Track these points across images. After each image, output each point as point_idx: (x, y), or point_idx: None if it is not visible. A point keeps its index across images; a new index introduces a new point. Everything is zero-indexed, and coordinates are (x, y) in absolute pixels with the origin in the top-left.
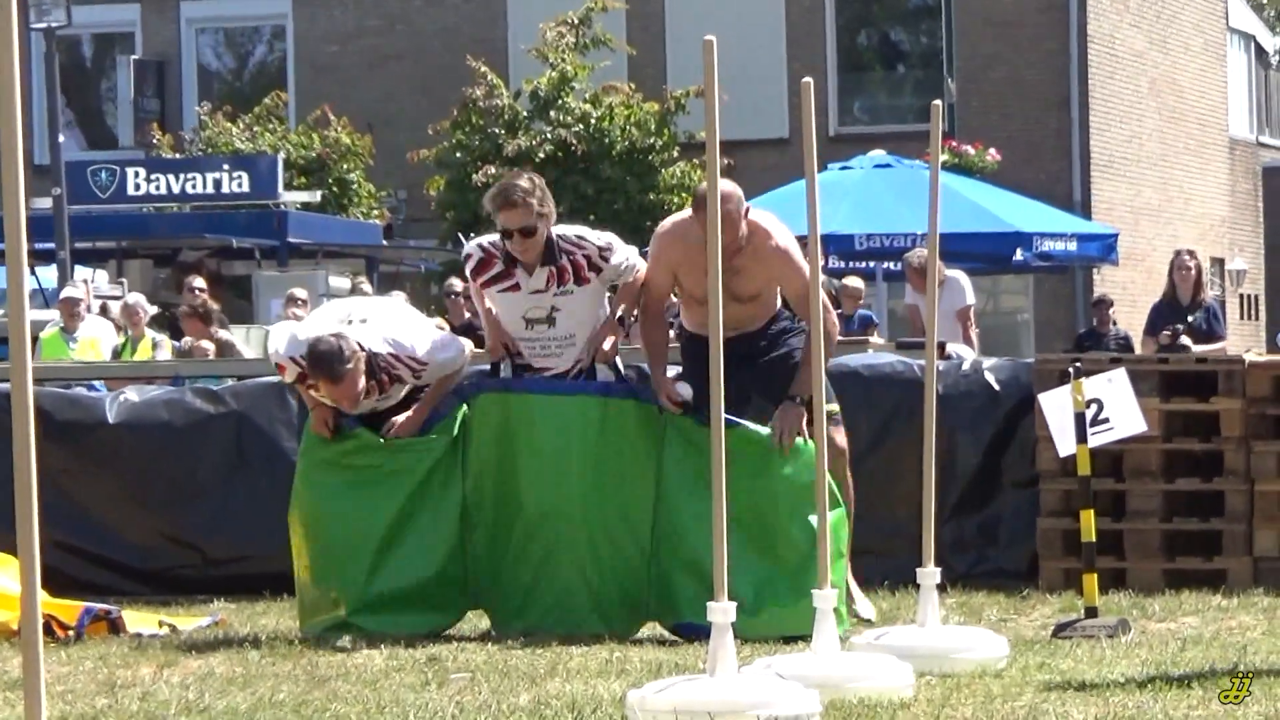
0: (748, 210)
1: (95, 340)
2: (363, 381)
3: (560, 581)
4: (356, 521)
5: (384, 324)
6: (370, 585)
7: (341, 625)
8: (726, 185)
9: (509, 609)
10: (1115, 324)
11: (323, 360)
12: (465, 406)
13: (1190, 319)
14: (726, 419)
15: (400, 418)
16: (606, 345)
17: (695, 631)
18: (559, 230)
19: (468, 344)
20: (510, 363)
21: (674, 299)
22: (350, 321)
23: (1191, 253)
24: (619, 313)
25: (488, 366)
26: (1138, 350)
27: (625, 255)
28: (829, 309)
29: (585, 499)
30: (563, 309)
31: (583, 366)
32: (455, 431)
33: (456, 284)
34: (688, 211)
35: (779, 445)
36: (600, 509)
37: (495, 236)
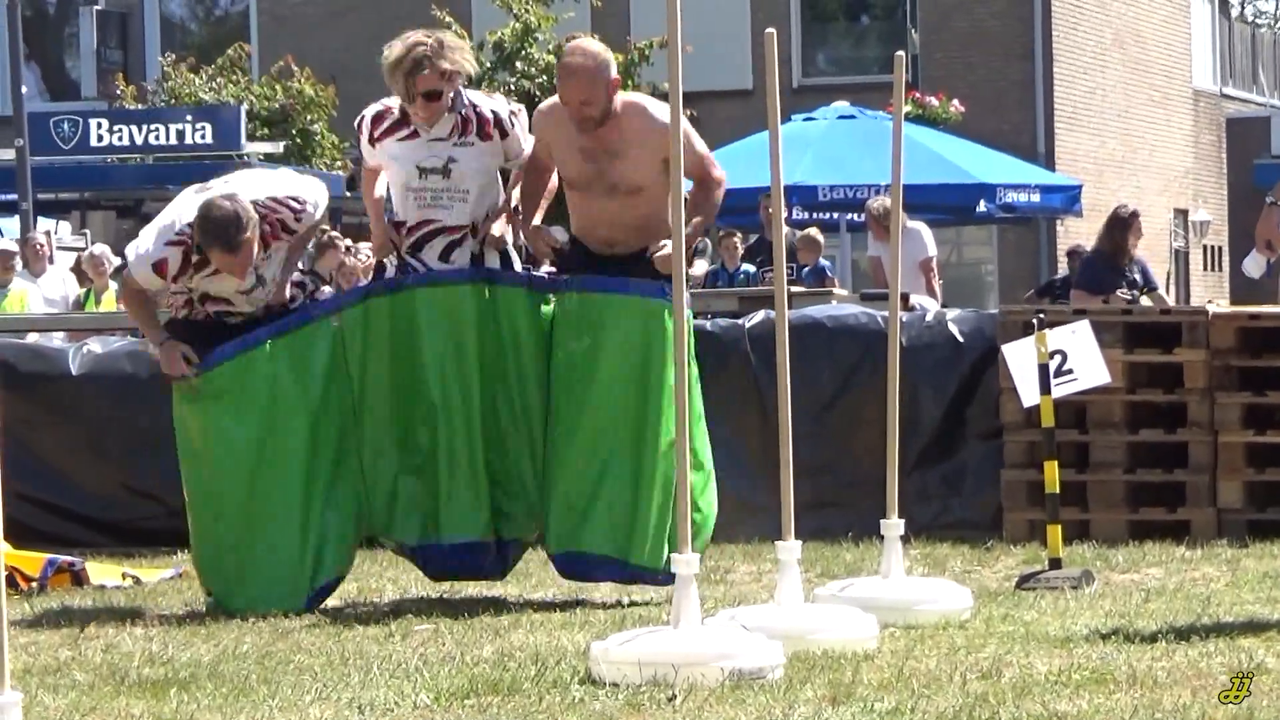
0: (616, 83)
1: (23, 295)
2: (257, 246)
3: (452, 483)
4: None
5: (250, 184)
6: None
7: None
8: (590, 44)
9: (398, 516)
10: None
11: (219, 226)
12: (339, 319)
13: (1138, 276)
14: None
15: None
16: (497, 230)
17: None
18: (469, 92)
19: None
20: (396, 260)
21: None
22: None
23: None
24: (512, 199)
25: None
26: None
27: (529, 140)
28: (719, 182)
29: (476, 392)
30: (460, 160)
31: (468, 250)
32: (330, 354)
33: None
34: None
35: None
36: (491, 404)
37: (392, 100)
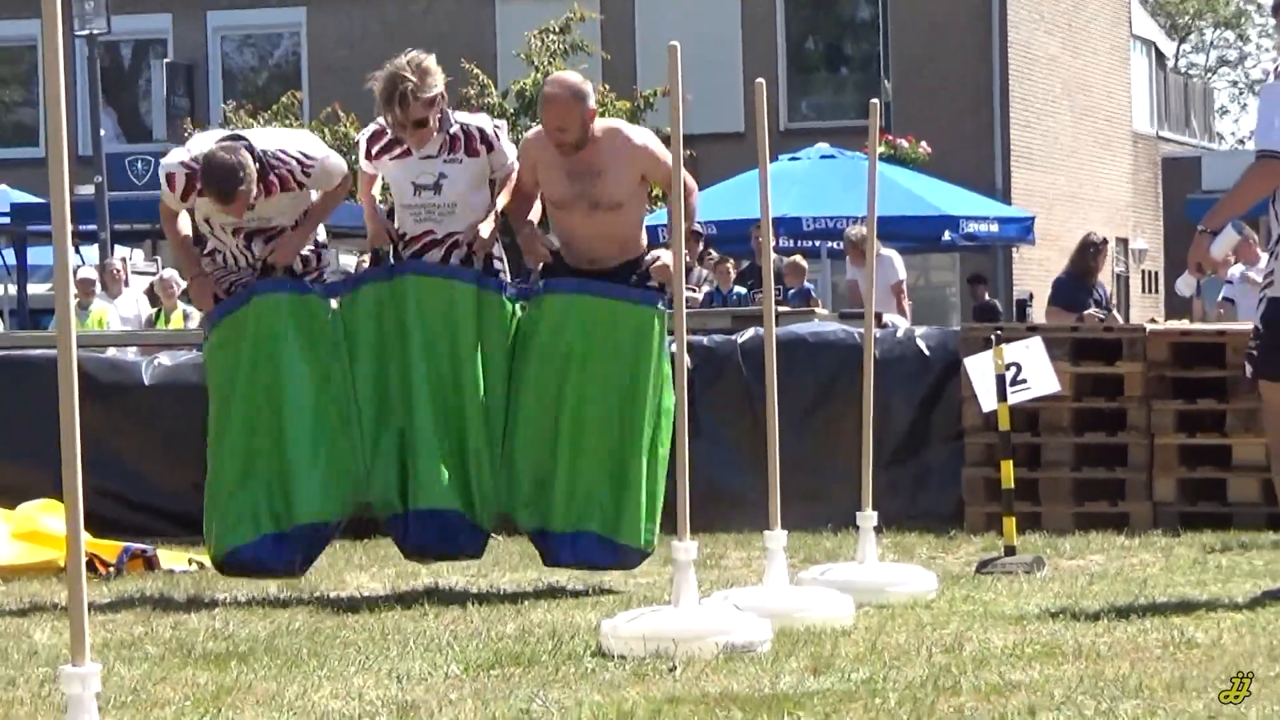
0: (593, 112)
1: (102, 314)
2: (252, 196)
3: (438, 462)
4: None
5: (267, 137)
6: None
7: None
8: (570, 76)
9: (385, 491)
10: (988, 295)
11: (216, 175)
12: (337, 302)
13: (1104, 297)
14: (594, 288)
15: (282, 243)
16: (485, 232)
17: (545, 542)
18: (454, 113)
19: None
20: (392, 251)
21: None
22: (238, 137)
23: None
24: (499, 205)
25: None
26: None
27: (512, 150)
28: (690, 190)
29: (459, 383)
30: (450, 176)
31: (460, 256)
32: (336, 327)
33: None
34: None
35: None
36: (464, 394)
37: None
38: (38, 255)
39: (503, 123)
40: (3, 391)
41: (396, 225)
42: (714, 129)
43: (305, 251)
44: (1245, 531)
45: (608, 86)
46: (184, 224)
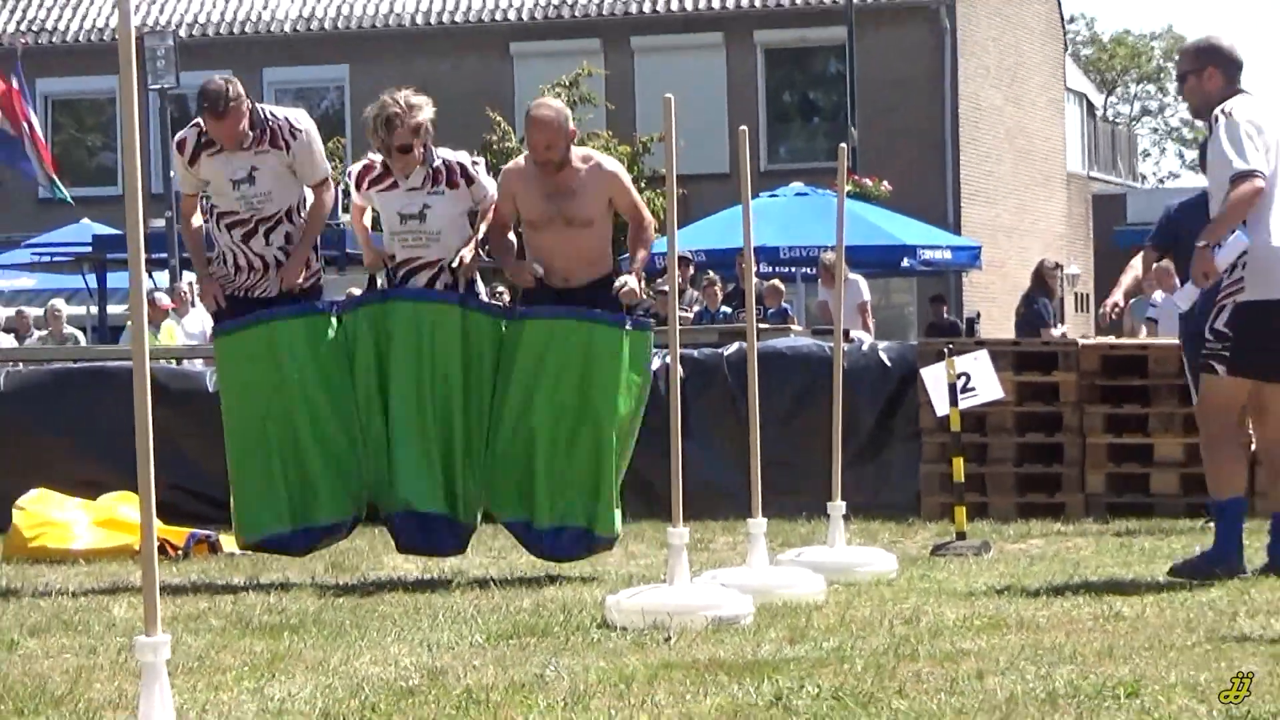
0: (574, 133)
1: (170, 330)
2: (245, 122)
3: (422, 468)
4: (263, 427)
5: (267, 105)
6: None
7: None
8: (555, 101)
9: (383, 493)
10: (946, 314)
11: (210, 95)
12: (339, 321)
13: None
14: (564, 312)
15: (285, 269)
16: (467, 255)
17: (523, 531)
18: (436, 149)
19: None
20: (386, 274)
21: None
22: None
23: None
24: (480, 232)
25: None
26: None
27: (490, 182)
28: (648, 224)
29: (445, 395)
30: (433, 206)
31: (445, 282)
32: (338, 338)
33: None
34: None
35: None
36: (450, 405)
37: (374, 155)
38: (116, 280)
39: (480, 159)
40: (86, 398)
41: (386, 249)
42: (703, 170)
43: (308, 274)
44: (1165, 520)
45: (611, 133)
46: (197, 222)
